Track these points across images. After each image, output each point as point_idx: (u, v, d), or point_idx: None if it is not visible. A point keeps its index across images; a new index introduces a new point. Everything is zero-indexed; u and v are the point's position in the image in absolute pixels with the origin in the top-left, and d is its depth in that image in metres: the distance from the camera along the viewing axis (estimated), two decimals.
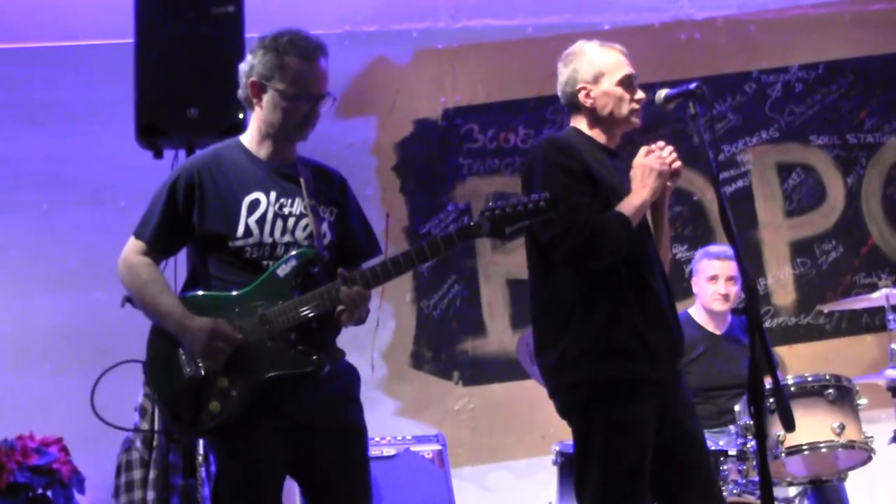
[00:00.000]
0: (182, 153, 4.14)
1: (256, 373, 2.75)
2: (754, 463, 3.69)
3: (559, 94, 3.17)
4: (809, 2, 5.60)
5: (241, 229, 2.81)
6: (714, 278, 4.45)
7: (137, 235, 2.88)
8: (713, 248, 4.55)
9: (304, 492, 2.93)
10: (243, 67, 2.93)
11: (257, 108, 2.91)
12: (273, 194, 2.86)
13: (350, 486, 2.85)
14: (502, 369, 5.26)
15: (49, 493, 4.39)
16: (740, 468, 3.79)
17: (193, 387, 2.77)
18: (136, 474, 4.21)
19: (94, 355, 4.93)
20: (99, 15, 5.14)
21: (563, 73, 3.14)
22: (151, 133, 4.00)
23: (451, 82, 5.46)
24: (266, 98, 2.88)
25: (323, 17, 5.33)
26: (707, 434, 4.04)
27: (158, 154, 4.11)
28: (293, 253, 2.81)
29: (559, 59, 3.17)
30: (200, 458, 3.79)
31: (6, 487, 4.30)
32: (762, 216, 5.49)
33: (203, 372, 2.76)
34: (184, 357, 2.79)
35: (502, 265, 5.38)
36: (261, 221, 2.83)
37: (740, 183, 5.51)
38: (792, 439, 3.67)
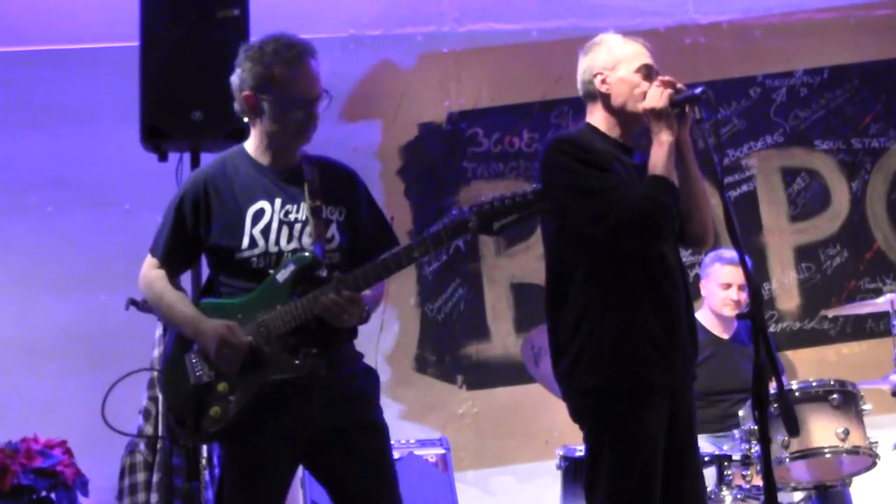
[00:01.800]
0: (186, 156, 4.14)
1: (253, 378, 2.77)
2: (758, 468, 3.68)
3: (578, 85, 3.11)
4: (814, 6, 5.59)
5: (246, 241, 2.83)
6: (727, 285, 4.44)
7: (151, 252, 2.96)
8: (726, 253, 4.50)
9: (331, 497, 2.91)
10: (234, 81, 2.92)
11: (256, 120, 2.91)
12: (278, 202, 2.87)
13: (373, 484, 2.84)
14: (506, 373, 5.25)
15: (53, 496, 4.39)
16: (744, 473, 3.78)
17: (198, 392, 2.80)
18: (140, 477, 4.20)
19: (98, 358, 4.96)
20: (104, 18, 5.15)
21: (582, 63, 3.08)
22: (156, 136, 4.00)
23: (456, 86, 5.46)
24: (262, 108, 2.87)
25: (328, 20, 5.33)
26: (711, 438, 4.06)
27: (163, 157, 4.12)
28: (291, 258, 2.81)
29: (580, 50, 3.12)
30: (204, 462, 3.79)
31: (10, 489, 4.30)
32: (767, 221, 5.48)
33: (206, 378, 2.79)
34: (193, 362, 2.82)
35: (506, 269, 5.37)
36: (266, 231, 2.84)
37: (745, 187, 5.49)
38: (796, 444, 3.66)
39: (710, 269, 4.54)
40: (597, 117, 3.06)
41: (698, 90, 2.89)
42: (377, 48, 5.46)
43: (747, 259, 2.80)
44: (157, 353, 4.12)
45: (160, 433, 4.10)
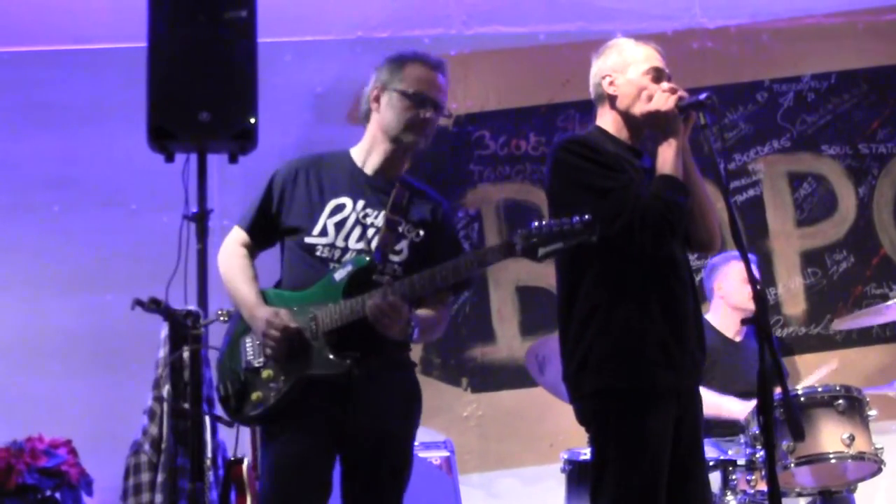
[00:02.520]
0: (193, 157, 4.14)
1: (296, 370, 2.83)
2: (763, 473, 3.67)
3: (590, 87, 3.11)
4: (822, 11, 5.59)
5: (318, 227, 2.92)
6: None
7: (239, 223, 3.08)
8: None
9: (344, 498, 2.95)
10: (366, 89, 3.05)
11: (373, 117, 2.99)
12: (361, 202, 2.94)
13: (372, 497, 2.88)
14: (511, 376, 5.25)
15: (57, 495, 4.40)
16: (749, 478, 3.78)
17: (245, 375, 2.88)
18: (145, 477, 4.21)
19: (103, 358, 4.98)
20: (112, 19, 5.17)
21: (594, 65, 3.10)
22: (162, 136, 4.00)
23: (463, 89, 5.46)
24: (383, 100, 2.98)
25: (335, 23, 5.34)
26: (717, 442, 4.06)
27: (170, 157, 4.12)
28: (350, 259, 2.86)
29: (594, 54, 3.12)
30: (209, 462, 3.80)
31: (15, 488, 4.31)
32: (773, 225, 5.47)
33: (256, 363, 2.86)
34: (247, 345, 2.90)
35: (512, 272, 5.37)
36: (340, 225, 2.92)
37: (751, 192, 5.49)
38: (801, 450, 3.65)
39: (726, 268, 4.51)
40: (606, 119, 3.06)
41: (703, 96, 2.90)
42: (384, 51, 5.42)
43: (753, 263, 2.80)
44: (162, 353, 4.13)
45: (165, 434, 4.11)
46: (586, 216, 2.70)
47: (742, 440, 3.88)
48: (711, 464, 3.76)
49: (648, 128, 2.99)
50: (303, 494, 2.84)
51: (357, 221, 2.92)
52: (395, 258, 2.92)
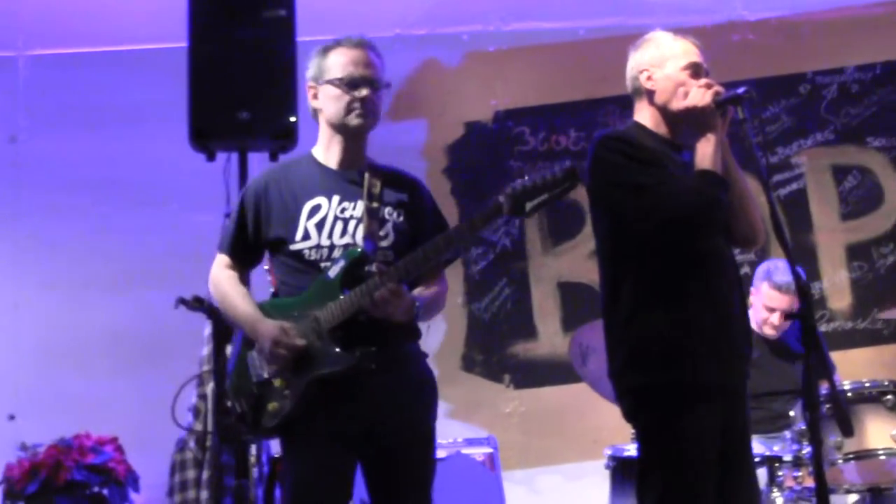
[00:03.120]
0: (234, 156, 4.18)
1: (306, 373, 2.82)
2: (810, 469, 3.64)
3: (626, 81, 3.08)
4: (865, 2, 5.52)
5: (300, 233, 2.90)
6: (771, 309, 4.37)
7: (219, 248, 3.05)
8: (777, 277, 4.35)
9: (370, 496, 2.95)
10: (307, 84, 3.02)
11: (319, 115, 2.99)
12: (336, 198, 2.93)
13: (401, 491, 2.87)
14: (553, 372, 5.24)
15: (105, 492, 4.46)
16: (795, 475, 3.74)
17: (259, 389, 2.87)
18: (190, 474, 4.25)
19: (148, 356, 5.03)
20: (153, 19, 5.22)
21: (632, 59, 3.06)
22: (204, 136, 4.04)
23: (502, 85, 5.46)
24: (321, 96, 2.96)
25: (374, 20, 5.35)
26: (761, 439, 4.02)
27: (211, 157, 4.16)
28: (341, 254, 2.86)
29: (631, 47, 3.10)
30: (253, 459, 3.83)
31: (64, 485, 4.38)
32: (817, 219, 5.42)
33: (266, 374, 2.85)
34: (253, 359, 2.90)
35: (553, 268, 5.37)
36: (320, 225, 2.90)
37: (794, 186, 5.44)
38: (849, 446, 3.61)
39: (760, 286, 4.46)
40: (643, 115, 3.05)
41: (741, 90, 2.86)
42: (423, 47, 5.48)
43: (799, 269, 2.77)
44: (206, 351, 4.17)
45: (209, 430, 4.15)
46: (567, 163, 2.72)
47: (788, 436, 3.85)
48: (757, 460, 3.71)
49: (686, 124, 2.97)
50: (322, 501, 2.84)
51: (336, 217, 2.91)
52: (384, 243, 2.91)
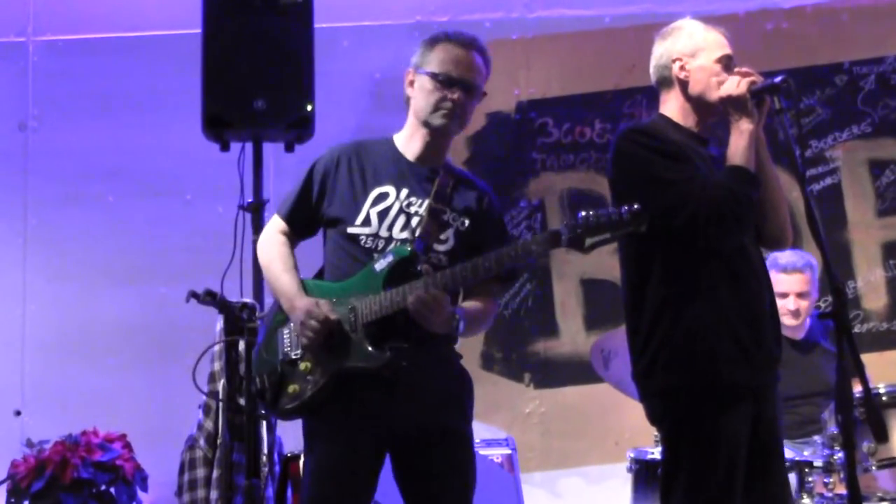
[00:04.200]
0: (248, 146, 4.19)
1: (333, 362, 2.82)
2: (842, 475, 3.61)
3: (651, 71, 3.07)
4: None
5: (360, 217, 2.90)
6: (783, 294, 4.33)
7: (278, 211, 3.05)
8: (781, 259, 4.35)
9: (402, 497, 2.95)
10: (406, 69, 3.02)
11: (410, 102, 2.99)
12: (405, 191, 2.93)
13: (441, 494, 2.88)
14: (575, 372, 5.23)
15: (112, 490, 4.47)
16: (826, 481, 3.71)
17: (282, 367, 2.88)
18: (200, 473, 4.26)
19: (159, 351, 5.05)
20: (166, 4, 5.23)
21: (659, 47, 3.04)
22: (218, 125, 4.05)
23: (526, 74, 5.44)
24: (416, 84, 2.97)
25: (394, 7, 5.34)
26: (790, 444, 3.99)
27: (225, 146, 4.17)
28: (392, 249, 2.86)
29: (657, 35, 3.09)
30: (264, 458, 3.83)
31: (70, 482, 4.39)
32: (852, 216, 5.37)
33: (293, 354, 2.86)
34: (284, 336, 2.90)
35: (576, 264, 5.34)
36: (383, 214, 2.90)
37: (829, 180, 5.40)
38: (883, 452, 3.58)
39: (772, 275, 4.45)
40: (670, 106, 3.02)
41: (778, 79, 2.84)
42: None
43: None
44: (217, 346, 4.17)
45: (220, 429, 4.16)
46: (635, 206, 2.67)
47: (819, 440, 3.82)
48: (787, 465, 3.70)
49: (719, 115, 2.95)
50: (343, 498, 2.83)
51: (401, 210, 2.90)
52: (441, 247, 2.90)
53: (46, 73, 5.34)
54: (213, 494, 4.19)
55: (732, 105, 2.87)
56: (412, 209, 2.91)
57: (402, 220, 2.90)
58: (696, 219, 2.79)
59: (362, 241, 2.89)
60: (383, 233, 2.89)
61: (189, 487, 4.27)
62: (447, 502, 2.89)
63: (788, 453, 3.76)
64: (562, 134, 5.46)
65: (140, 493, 4.59)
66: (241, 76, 4.01)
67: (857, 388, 2.90)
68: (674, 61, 2.99)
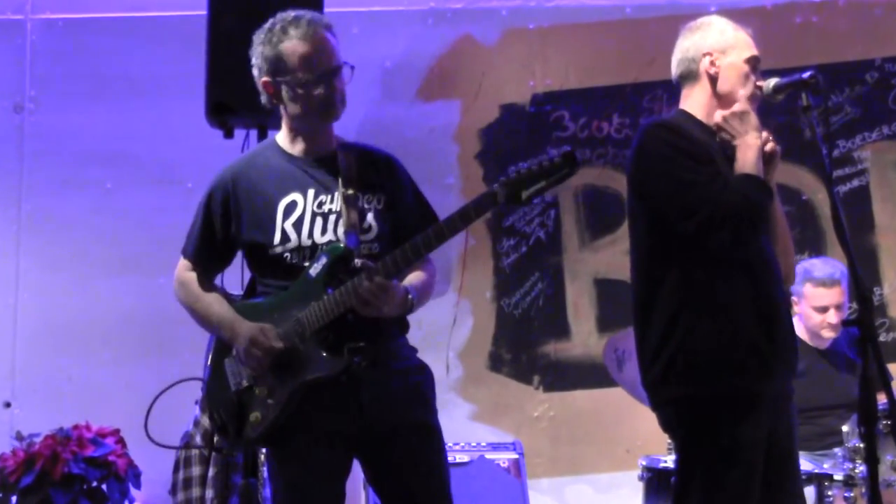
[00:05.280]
0: (253, 133, 4.17)
1: (290, 379, 2.80)
2: (863, 490, 3.60)
3: (673, 66, 3.07)
4: None
5: (278, 236, 2.86)
6: (823, 308, 4.33)
7: (183, 252, 3.01)
8: (818, 272, 4.35)
9: (378, 498, 2.95)
10: (254, 71, 2.95)
11: (281, 106, 2.94)
12: (311, 192, 2.89)
13: (420, 490, 2.87)
14: (586, 375, 5.22)
15: (104, 487, 4.47)
16: (847, 495, 3.70)
17: (238, 399, 2.86)
18: (195, 471, 4.26)
19: (155, 345, 5.04)
20: None
21: (686, 41, 3.04)
22: (222, 112, 4.03)
23: (542, 65, 5.43)
24: (282, 94, 2.90)
25: None
26: (809, 457, 3.99)
27: (229, 134, 4.15)
28: (323, 251, 2.83)
29: (683, 28, 3.08)
30: (262, 458, 3.82)
31: (60, 478, 4.39)
32: (880, 219, 5.36)
33: (246, 382, 2.84)
34: (231, 367, 2.89)
35: (590, 263, 5.34)
36: (298, 224, 2.86)
37: (856, 182, 5.38)
38: None
39: (803, 289, 4.42)
40: (693, 102, 3.02)
41: (806, 74, 2.85)
42: (458, 23, 5.45)
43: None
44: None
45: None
46: (564, 148, 2.72)
47: (839, 453, 3.82)
48: (805, 478, 3.68)
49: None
50: None
51: (314, 214, 2.87)
52: (367, 236, 2.87)
53: (45, 52, 5.33)
54: (209, 493, 4.19)
55: (738, 117, 2.89)
56: (325, 208, 2.87)
57: (319, 223, 2.87)
58: (710, 223, 2.80)
59: (288, 259, 2.85)
60: (305, 242, 2.85)
61: (184, 486, 4.27)
62: (426, 496, 2.88)
63: (807, 465, 3.76)
64: (578, 128, 5.44)
65: (133, 491, 4.59)
66: (246, 61, 3.98)
67: (882, 399, 2.88)
68: (704, 55, 2.99)
